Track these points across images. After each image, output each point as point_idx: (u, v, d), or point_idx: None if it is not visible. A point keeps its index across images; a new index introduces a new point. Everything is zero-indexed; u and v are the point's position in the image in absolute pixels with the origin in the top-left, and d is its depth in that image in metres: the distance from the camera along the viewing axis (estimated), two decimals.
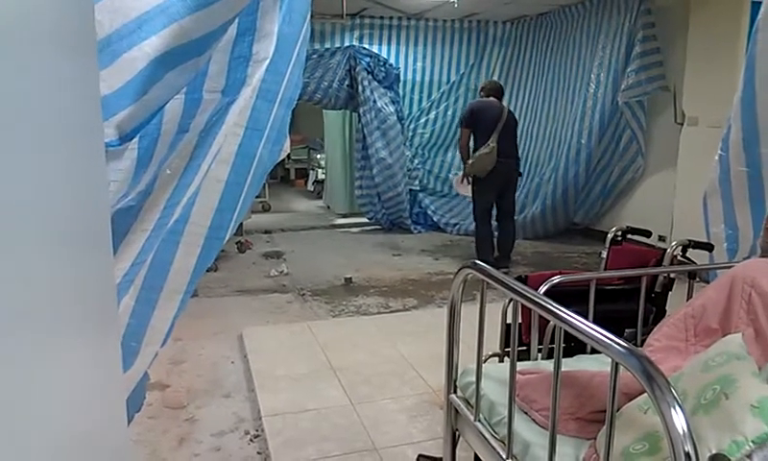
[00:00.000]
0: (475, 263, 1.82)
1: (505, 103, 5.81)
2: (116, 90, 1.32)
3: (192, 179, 1.57)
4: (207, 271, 4.84)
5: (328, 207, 8.72)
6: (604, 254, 2.76)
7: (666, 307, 2.56)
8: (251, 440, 2.63)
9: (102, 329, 1.04)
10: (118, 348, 1.12)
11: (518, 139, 7.34)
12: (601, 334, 1.24)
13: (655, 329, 2.09)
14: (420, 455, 2.33)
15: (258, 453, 2.54)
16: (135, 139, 1.45)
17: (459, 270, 1.86)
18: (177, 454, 2.50)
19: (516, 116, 7.41)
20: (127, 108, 1.41)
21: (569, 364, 1.93)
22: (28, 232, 0.74)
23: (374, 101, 6.71)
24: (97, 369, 0.99)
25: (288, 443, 2.58)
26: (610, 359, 1.85)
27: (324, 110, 8.00)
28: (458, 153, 5.95)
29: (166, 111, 1.50)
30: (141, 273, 1.58)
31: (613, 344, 1.20)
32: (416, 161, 7.34)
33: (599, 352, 2.07)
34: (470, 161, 5.34)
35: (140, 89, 1.41)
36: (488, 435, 1.73)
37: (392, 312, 4.42)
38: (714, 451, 1.18)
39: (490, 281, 1.71)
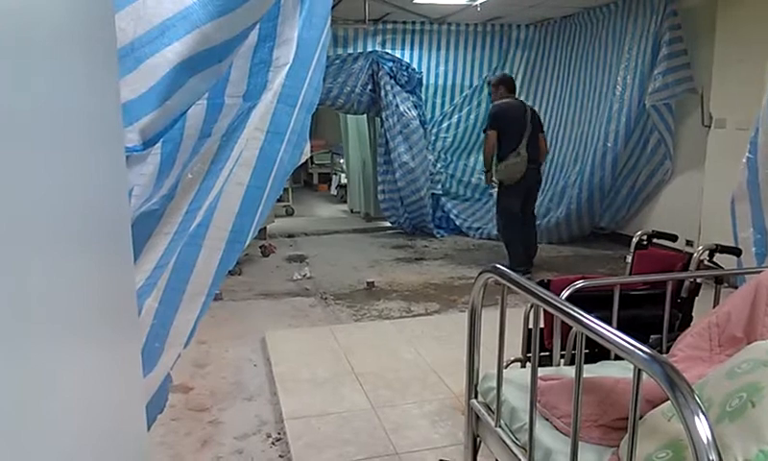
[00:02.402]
0: (496, 267, 1.80)
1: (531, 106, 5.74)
2: (140, 96, 1.34)
3: (214, 183, 1.59)
4: (231, 274, 4.90)
5: (352, 211, 8.73)
6: (629, 259, 2.72)
7: (693, 313, 2.51)
8: (273, 443, 2.65)
9: (121, 332, 1.06)
10: (138, 350, 1.14)
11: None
12: (623, 340, 1.22)
13: (678, 339, 2.05)
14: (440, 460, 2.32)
15: (280, 457, 2.55)
16: (158, 144, 1.47)
17: (479, 274, 1.85)
18: (199, 456, 2.53)
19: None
20: (150, 113, 1.44)
21: (592, 370, 1.90)
22: (46, 236, 0.75)
23: (397, 105, 6.72)
24: (117, 371, 1.00)
25: (310, 446, 2.59)
26: (631, 367, 1.83)
27: (343, 115, 8.02)
28: (481, 156, 5.93)
29: (189, 117, 1.52)
30: (164, 276, 1.61)
31: (636, 350, 1.18)
32: (438, 165, 7.32)
33: (623, 359, 2.06)
34: (500, 168, 5.30)
35: (163, 95, 1.43)
36: (509, 441, 1.71)
37: (414, 316, 4.41)
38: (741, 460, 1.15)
39: (511, 286, 1.70)
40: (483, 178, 5.95)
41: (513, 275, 1.72)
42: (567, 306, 1.43)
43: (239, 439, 2.67)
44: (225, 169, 1.61)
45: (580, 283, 2.03)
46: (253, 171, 1.75)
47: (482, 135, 7.32)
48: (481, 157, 6.30)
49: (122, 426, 1.01)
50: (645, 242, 2.79)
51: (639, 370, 1.19)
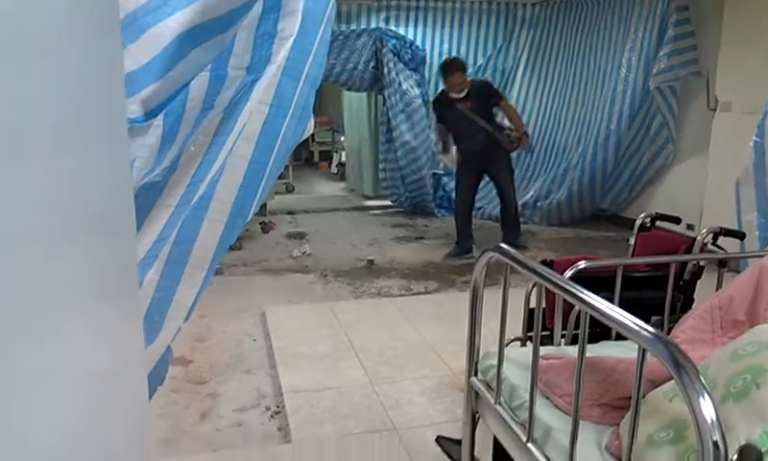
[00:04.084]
0: (500, 247, 1.79)
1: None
2: (142, 66, 1.32)
3: (216, 156, 1.57)
4: (231, 249, 4.89)
5: (352, 191, 8.70)
6: (632, 241, 2.71)
7: (694, 296, 2.51)
8: (271, 416, 2.67)
9: (123, 302, 1.05)
10: (139, 320, 1.13)
11: (544, 121, 7.25)
12: (628, 320, 1.22)
13: (680, 321, 2.05)
14: (438, 437, 2.33)
15: (279, 430, 2.57)
16: (160, 116, 1.45)
17: (482, 253, 1.84)
18: (199, 428, 2.55)
19: (544, 100, 7.31)
20: (152, 83, 1.42)
21: (593, 350, 1.90)
22: (47, 206, 0.74)
23: (400, 83, 6.66)
24: (118, 341, 1.00)
25: (308, 420, 2.61)
26: (635, 346, 1.82)
27: (345, 92, 7.95)
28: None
29: (191, 88, 1.50)
30: (165, 248, 1.60)
31: (641, 330, 1.18)
32: (440, 145, 7.27)
33: (624, 339, 2.05)
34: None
35: (166, 65, 1.41)
36: (508, 419, 1.72)
37: (413, 295, 4.42)
38: (744, 441, 1.15)
39: (514, 265, 1.69)
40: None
41: (516, 254, 1.72)
42: (572, 286, 1.43)
43: (238, 412, 2.69)
44: (227, 142, 1.59)
45: (582, 264, 2.02)
46: (256, 145, 1.73)
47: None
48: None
49: (124, 395, 1.01)
50: (648, 224, 2.78)
51: (644, 350, 1.19)
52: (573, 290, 1.40)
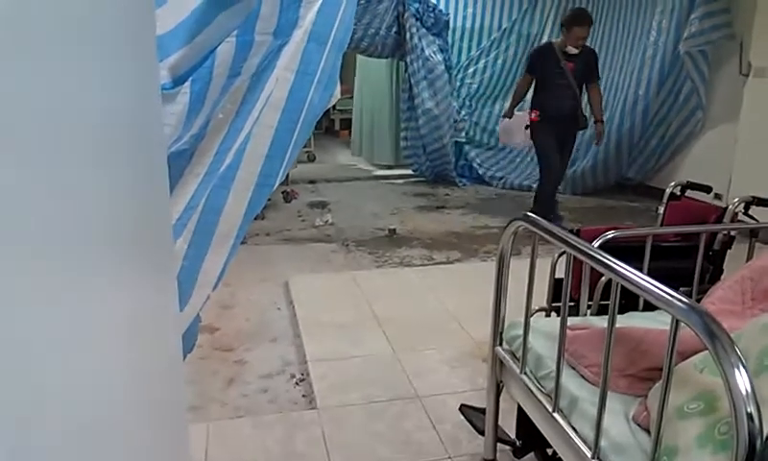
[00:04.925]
0: (527, 216, 1.77)
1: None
2: (169, 31, 1.31)
3: (243, 124, 1.56)
4: (255, 219, 4.92)
5: (371, 160, 8.57)
6: (661, 210, 2.66)
7: (723, 267, 2.47)
8: (296, 383, 2.71)
9: (159, 268, 1.06)
10: (174, 281, 1.15)
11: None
12: (661, 290, 1.20)
13: (710, 292, 2.02)
14: (462, 405, 2.34)
15: (303, 396, 2.61)
16: (188, 83, 1.45)
17: (510, 222, 1.83)
18: (226, 394, 2.60)
19: None
20: (179, 50, 1.41)
21: (621, 321, 1.88)
22: (87, 170, 0.74)
23: (422, 49, 6.55)
24: (154, 301, 1.01)
25: (333, 387, 2.64)
26: (663, 317, 1.80)
27: (359, 58, 7.82)
28: (507, 103, 5.70)
29: (218, 54, 1.48)
30: (194, 217, 1.61)
31: (674, 300, 1.16)
32: (462, 113, 7.18)
33: (651, 310, 2.03)
34: None
35: (192, 31, 1.40)
36: (534, 388, 1.72)
37: (435, 264, 4.41)
38: None
39: (543, 234, 1.67)
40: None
41: (544, 223, 1.69)
42: (602, 255, 1.40)
43: (264, 378, 2.73)
44: (254, 110, 1.59)
45: (611, 233, 1.99)
46: (283, 113, 1.72)
47: (509, 82, 7.16)
48: (507, 104, 6.09)
49: (160, 355, 1.03)
50: (678, 193, 2.73)
51: (677, 320, 1.17)
52: (604, 259, 1.38)
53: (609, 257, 1.38)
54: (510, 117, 5.43)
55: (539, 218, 1.72)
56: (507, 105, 5.71)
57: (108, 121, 0.81)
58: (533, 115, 5.11)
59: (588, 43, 5.17)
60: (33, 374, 0.60)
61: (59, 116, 0.66)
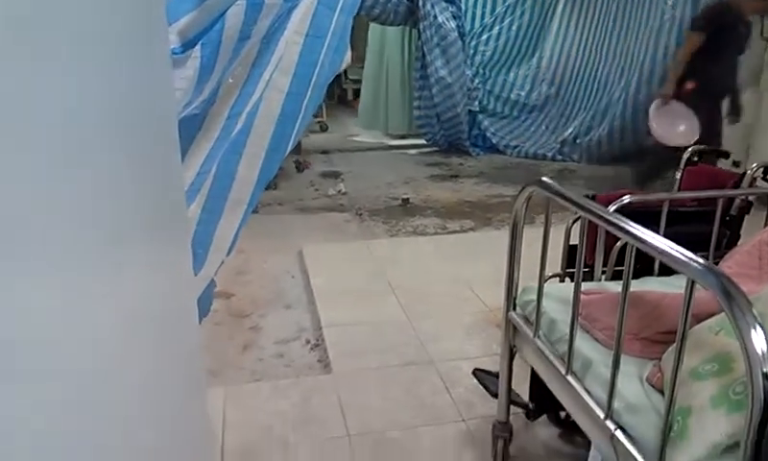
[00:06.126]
0: (542, 181, 1.75)
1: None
2: None
3: (254, 88, 1.55)
4: (267, 189, 4.93)
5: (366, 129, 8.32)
6: (678, 176, 2.62)
7: (740, 232, 2.43)
8: (311, 348, 2.74)
9: (173, 232, 1.06)
10: (188, 249, 1.15)
11: (585, 55, 6.94)
12: (677, 252, 1.19)
13: (726, 256, 2.00)
14: (475, 369, 2.36)
15: (319, 361, 2.64)
16: (198, 47, 1.43)
17: (524, 187, 1.81)
18: (242, 358, 2.64)
19: (585, 32, 6.99)
20: (189, 13, 1.39)
21: (635, 286, 1.86)
22: (98, 136, 0.74)
23: (435, 16, 6.44)
24: (169, 265, 1.02)
25: (347, 352, 2.67)
26: (677, 282, 1.79)
27: (371, 25, 7.68)
28: (521, 71, 5.54)
29: (228, 18, 1.47)
30: (207, 182, 1.61)
31: (691, 262, 1.15)
32: (476, 81, 7.08)
33: (666, 275, 2.02)
34: None
35: None
36: (547, 352, 1.72)
37: (449, 233, 4.41)
38: None
39: (557, 199, 1.65)
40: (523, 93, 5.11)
41: (559, 188, 1.68)
42: (619, 218, 1.39)
43: (279, 344, 2.77)
44: (265, 74, 1.57)
45: (627, 198, 1.97)
46: (293, 77, 1.71)
47: (524, 49, 7.02)
48: (521, 72, 6.00)
49: (177, 318, 1.04)
50: (696, 159, 2.68)
51: (692, 282, 1.16)
52: (620, 223, 1.37)
53: (625, 220, 1.37)
54: (670, 100, 4.36)
55: (553, 183, 1.70)
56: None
57: (118, 87, 0.81)
58: (688, 85, 4.23)
59: (603, 8, 4.83)
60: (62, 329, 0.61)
61: (67, 86, 0.65)
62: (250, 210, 1.82)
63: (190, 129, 1.51)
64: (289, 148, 1.84)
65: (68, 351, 0.64)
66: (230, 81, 1.50)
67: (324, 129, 8.35)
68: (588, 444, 1.62)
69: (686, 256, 1.16)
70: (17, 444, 0.53)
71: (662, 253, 1.22)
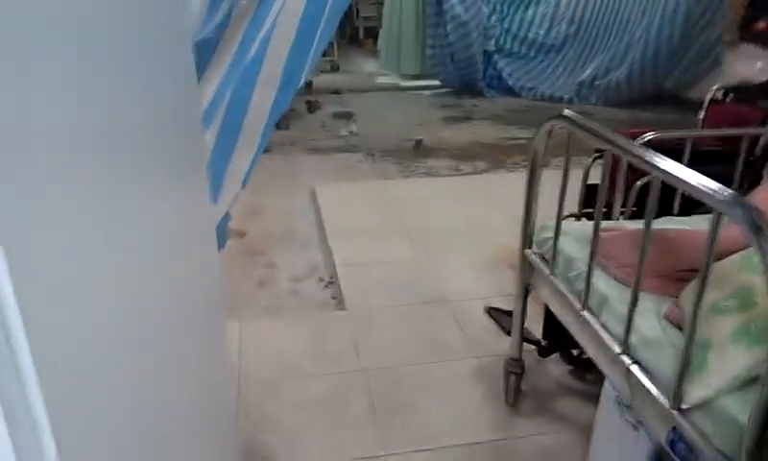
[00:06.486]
0: (562, 115, 1.71)
1: None
2: None
3: (268, 11, 1.50)
4: (279, 128, 4.88)
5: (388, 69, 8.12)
6: (701, 115, 2.55)
7: (763, 173, 2.38)
8: (325, 286, 2.75)
9: (191, 159, 1.04)
10: (205, 177, 1.14)
11: None
12: (705, 183, 1.15)
13: (751, 194, 1.95)
14: (489, 307, 2.37)
15: (333, 298, 2.66)
16: None
17: (546, 121, 1.76)
18: (258, 294, 2.66)
19: None
20: None
21: (654, 225, 1.84)
22: (114, 63, 0.71)
23: None
24: (187, 193, 1.00)
25: (361, 290, 2.68)
26: (697, 223, 1.76)
27: None
28: (540, 9, 5.39)
29: None
30: (221, 110, 1.58)
31: (719, 193, 1.11)
32: (493, 19, 6.86)
33: (687, 215, 1.99)
34: None
35: None
36: (564, 289, 1.71)
37: (462, 175, 4.36)
38: None
39: (579, 132, 1.61)
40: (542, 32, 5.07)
41: (582, 120, 1.63)
42: (645, 150, 1.35)
43: (293, 281, 2.79)
44: None
45: (650, 135, 1.91)
46: (307, 2, 1.64)
47: None
48: (540, 10, 5.82)
49: (196, 244, 1.03)
50: (720, 98, 2.60)
51: (719, 215, 1.13)
52: (647, 155, 1.33)
53: (651, 152, 1.33)
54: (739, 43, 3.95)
55: (575, 115, 1.66)
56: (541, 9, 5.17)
57: (132, 13, 0.77)
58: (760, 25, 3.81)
59: None
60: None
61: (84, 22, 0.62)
62: (264, 143, 1.78)
63: (204, 54, 1.47)
64: (303, 80, 1.79)
65: (105, 278, 0.64)
66: (244, 2, 1.45)
67: (335, 68, 8.19)
68: (599, 381, 1.63)
69: (715, 188, 1.12)
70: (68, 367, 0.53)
71: (689, 184, 1.19)
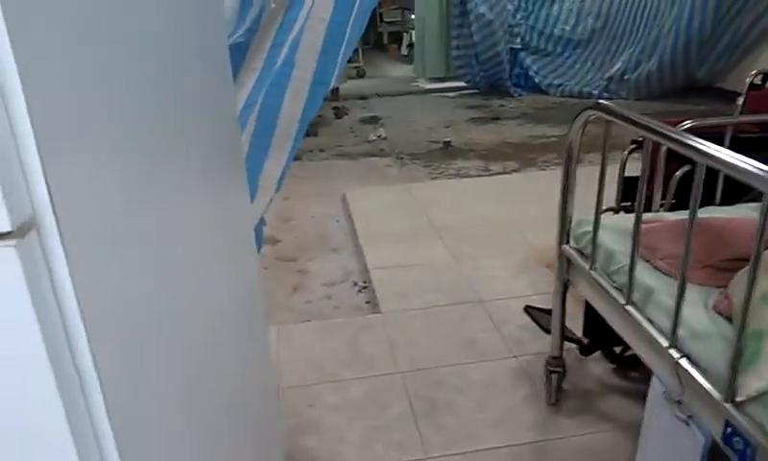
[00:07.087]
0: (599, 104, 1.67)
1: None
2: None
3: (297, 15, 1.51)
4: (308, 135, 4.91)
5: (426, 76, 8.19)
6: (740, 101, 2.48)
7: None
8: (359, 290, 2.75)
9: (231, 161, 1.05)
10: (244, 177, 1.14)
11: None
12: (756, 167, 1.11)
13: None
14: (527, 306, 2.33)
15: (367, 302, 2.65)
16: None
17: (582, 111, 1.73)
18: (292, 300, 2.67)
19: None
20: None
21: (698, 214, 1.79)
22: (159, 66, 0.72)
23: None
24: (227, 192, 1.01)
25: (395, 293, 2.67)
26: (740, 211, 1.70)
27: None
28: (566, 4, 5.35)
29: None
30: (253, 116, 1.59)
31: None
32: (518, 16, 6.80)
33: (729, 205, 1.92)
34: None
35: None
36: (605, 283, 1.67)
37: (492, 175, 4.32)
38: None
39: (618, 121, 1.57)
40: (568, 28, 5.16)
41: (620, 110, 1.59)
42: (688, 137, 1.31)
43: (327, 286, 2.79)
44: (307, 0, 1.52)
45: (689, 123, 1.86)
46: (335, 4, 1.65)
47: None
48: (566, 5, 5.76)
49: (239, 244, 1.03)
50: (760, 83, 2.52)
51: None
52: (690, 141, 1.29)
53: (695, 138, 1.28)
54: None
55: (612, 105, 1.62)
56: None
57: (173, 18, 0.78)
58: None
59: None
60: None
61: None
62: (296, 147, 1.79)
63: (235, 58, 1.48)
64: (332, 83, 1.80)
65: (160, 269, 0.64)
66: (273, 6, 1.46)
67: (361, 74, 8.23)
68: (643, 379, 1.59)
69: (767, 169, 1.08)
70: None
71: (738, 168, 1.15)
